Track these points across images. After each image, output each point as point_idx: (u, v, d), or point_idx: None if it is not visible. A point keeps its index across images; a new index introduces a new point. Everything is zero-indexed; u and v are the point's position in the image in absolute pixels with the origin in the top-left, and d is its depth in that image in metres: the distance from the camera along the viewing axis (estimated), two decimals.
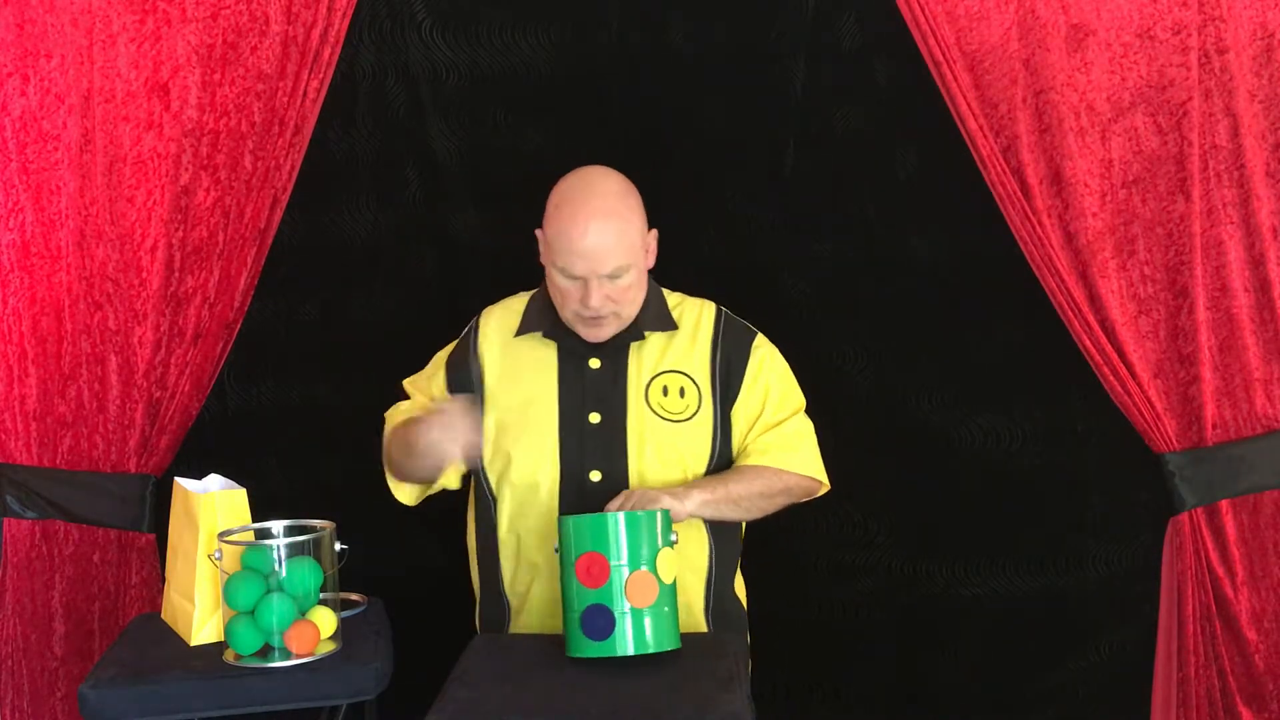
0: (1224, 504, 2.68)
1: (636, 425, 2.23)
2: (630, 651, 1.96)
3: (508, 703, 1.88)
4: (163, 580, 2.45)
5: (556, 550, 2.04)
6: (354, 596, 2.31)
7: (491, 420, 2.26)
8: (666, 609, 1.99)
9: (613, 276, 2.16)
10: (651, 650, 1.97)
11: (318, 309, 2.88)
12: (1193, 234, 2.62)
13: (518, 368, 2.28)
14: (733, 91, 2.83)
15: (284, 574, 2.03)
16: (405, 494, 2.35)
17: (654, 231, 2.26)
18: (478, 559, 2.36)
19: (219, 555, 2.05)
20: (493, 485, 2.28)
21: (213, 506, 2.12)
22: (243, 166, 2.60)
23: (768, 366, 2.32)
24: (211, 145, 2.60)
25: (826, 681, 3.04)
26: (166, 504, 2.30)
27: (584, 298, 2.16)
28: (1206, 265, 2.64)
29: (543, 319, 2.28)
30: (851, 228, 2.89)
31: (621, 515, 1.99)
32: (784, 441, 2.29)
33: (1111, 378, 2.64)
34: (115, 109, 2.59)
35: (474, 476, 2.31)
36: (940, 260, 2.87)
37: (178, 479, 2.23)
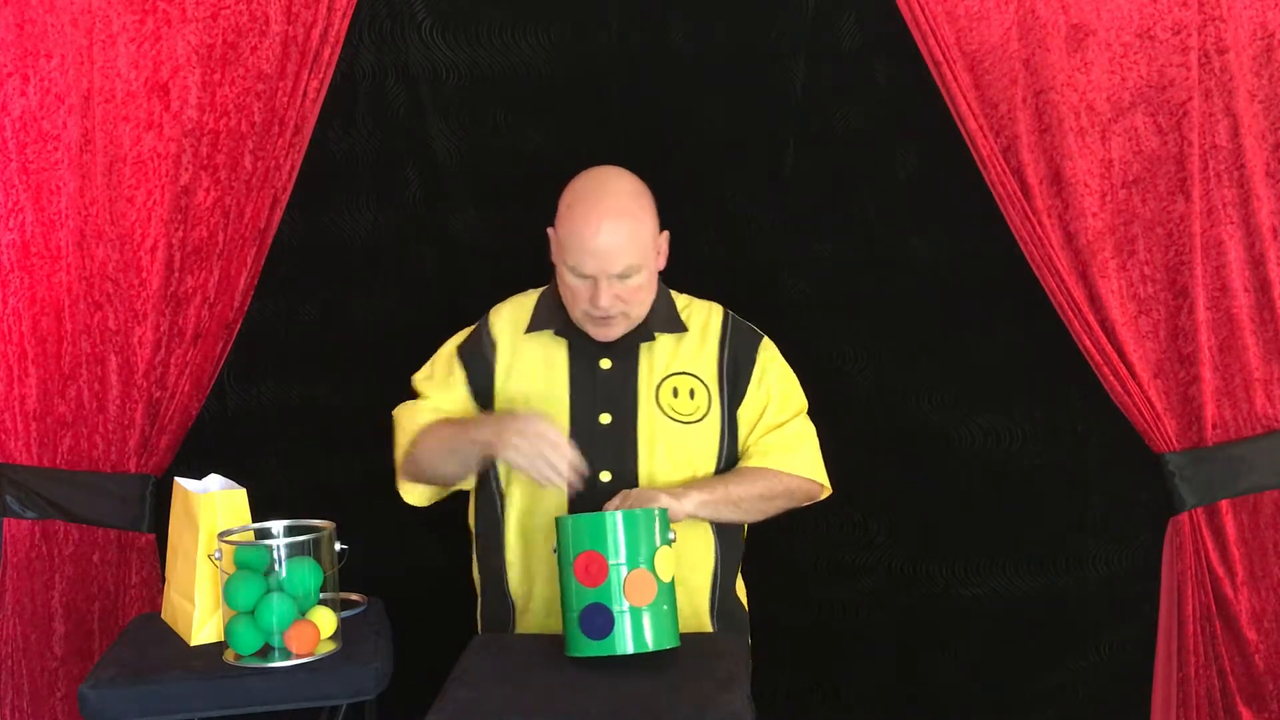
0: (1224, 504, 2.68)
1: (647, 426, 2.24)
2: (629, 650, 1.96)
3: (508, 703, 1.88)
4: (163, 580, 2.45)
5: (554, 550, 2.04)
6: (354, 596, 2.31)
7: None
8: (665, 607, 1.99)
9: (623, 276, 2.16)
10: (651, 649, 1.97)
11: (318, 309, 2.88)
12: (1193, 234, 2.62)
13: (528, 364, 2.28)
14: (733, 91, 2.83)
15: (284, 574, 2.03)
16: (417, 495, 2.33)
17: (665, 233, 2.26)
18: (480, 557, 2.36)
19: (219, 555, 2.05)
20: (502, 483, 2.28)
21: (213, 506, 2.12)
22: (243, 166, 2.60)
23: (772, 368, 2.33)
24: (211, 145, 2.60)
25: (826, 682, 3.04)
26: (166, 504, 2.30)
27: (593, 297, 2.17)
28: (1206, 265, 2.64)
29: (553, 317, 2.28)
30: (851, 228, 2.89)
31: (619, 514, 2.00)
32: (785, 443, 2.29)
33: (1111, 378, 2.64)
34: (115, 109, 2.59)
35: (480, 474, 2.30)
36: (940, 260, 2.87)
37: (178, 479, 2.23)
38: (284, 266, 2.76)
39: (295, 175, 2.61)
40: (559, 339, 2.28)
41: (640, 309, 2.23)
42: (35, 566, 2.66)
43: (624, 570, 1.97)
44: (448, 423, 2.23)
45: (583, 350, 2.27)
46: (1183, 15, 2.58)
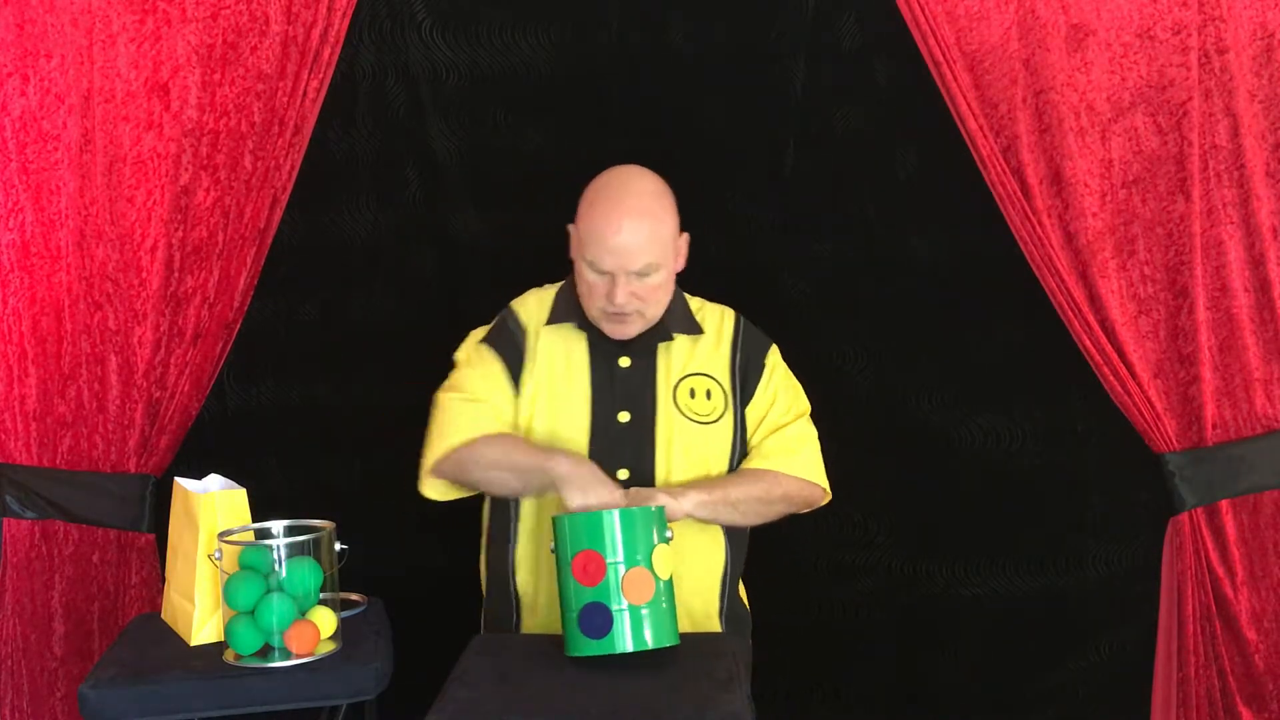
0: (1224, 504, 2.68)
1: (665, 426, 2.25)
2: (629, 648, 1.96)
3: (508, 703, 1.88)
4: (163, 580, 2.45)
5: (553, 550, 2.04)
6: (354, 596, 2.31)
7: (524, 406, 2.25)
8: (664, 605, 1.99)
9: (641, 274, 2.17)
10: (650, 647, 1.96)
11: (318, 309, 2.88)
12: (1193, 234, 2.62)
13: (551, 356, 2.28)
14: (733, 91, 2.83)
15: (284, 574, 2.03)
16: (441, 491, 2.29)
17: (685, 235, 2.27)
18: (489, 554, 2.35)
19: (219, 555, 2.05)
20: None
21: (213, 506, 2.12)
22: (243, 166, 2.60)
23: (779, 372, 2.35)
24: (211, 145, 2.60)
25: (826, 682, 3.04)
26: (166, 504, 2.29)
27: (610, 294, 2.18)
28: (1206, 265, 2.64)
29: (572, 311, 2.29)
30: (851, 228, 2.89)
31: (616, 513, 2.00)
32: (786, 445, 2.29)
33: (1111, 378, 2.64)
34: (115, 109, 2.59)
35: None
36: (940, 260, 2.87)
37: (178, 479, 2.23)
38: (284, 266, 2.76)
39: (295, 175, 2.61)
40: (579, 333, 2.28)
41: (656, 309, 2.24)
42: (35, 566, 2.66)
43: (622, 569, 1.97)
44: (517, 441, 2.21)
45: (602, 347, 2.27)
46: (1183, 15, 2.58)
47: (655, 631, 1.97)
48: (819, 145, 2.84)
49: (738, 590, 2.38)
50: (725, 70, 2.82)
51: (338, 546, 2.10)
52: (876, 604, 3.01)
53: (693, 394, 2.27)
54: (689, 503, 2.16)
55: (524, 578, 2.29)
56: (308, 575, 2.04)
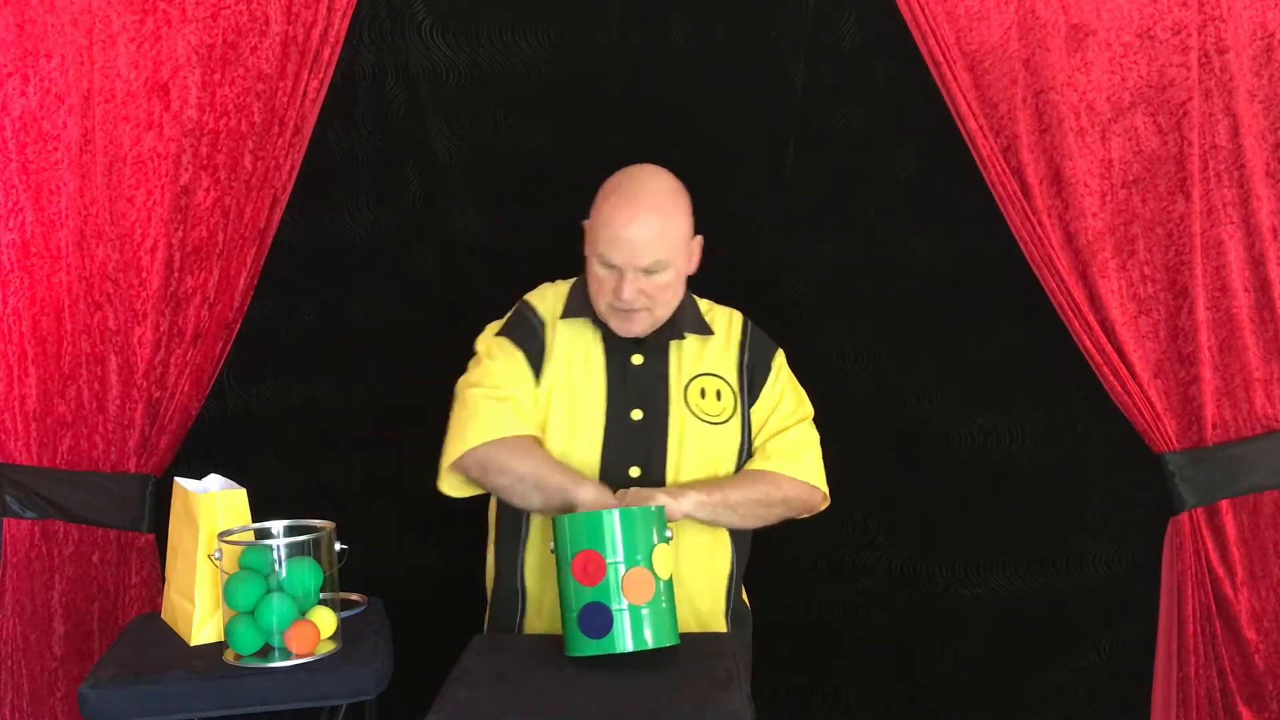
0: (1224, 504, 2.68)
1: (677, 425, 2.25)
2: (629, 648, 1.96)
3: (508, 703, 1.88)
4: (163, 580, 2.45)
5: (553, 550, 2.04)
6: (354, 596, 2.31)
7: (542, 399, 2.25)
8: (664, 605, 1.99)
9: (649, 271, 2.18)
10: (650, 646, 1.97)
11: (318, 309, 2.88)
12: (1193, 234, 2.62)
13: (567, 350, 2.28)
14: (733, 91, 2.83)
15: (284, 574, 2.03)
16: (457, 487, 2.27)
17: (699, 238, 2.28)
18: (497, 550, 2.35)
19: (219, 555, 2.05)
20: None
21: (213, 506, 2.12)
22: (243, 166, 2.60)
23: (784, 375, 2.36)
24: (211, 145, 2.60)
25: (826, 681, 3.04)
26: (166, 504, 2.30)
27: (618, 288, 2.19)
28: (1206, 265, 2.64)
29: (586, 306, 2.29)
30: (851, 228, 2.89)
31: (616, 512, 2.00)
32: (789, 447, 2.30)
33: (1111, 378, 2.64)
34: (115, 109, 2.59)
35: None
36: (940, 260, 2.87)
37: (178, 479, 2.23)
38: (284, 266, 2.76)
39: (295, 175, 2.61)
40: (594, 329, 2.28)
41: (664, 308, 2.24)
42: (35, 566, 2.66)
43: (622, 568, 1.97)
44: (546, 458, 2.19)
45: (615, 344, 2.28)
46: (1183, 15, 2.58)
47: (655, 631, 1.97)
48: (819, 145, 2.84)
49: (742, 591, 2.38)
50: (725, 70, 2.82)
51: (338, 546, 2.10)
52: (876, 604, 3.01)
53: (703, 394, 2.28)
54: (688, 503, 2.16)
55: (532, 577, 2.29)
56: (308, 575, 2.04)
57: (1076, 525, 2.94)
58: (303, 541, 2.06)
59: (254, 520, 2.17)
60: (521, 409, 2.22)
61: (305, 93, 2.57)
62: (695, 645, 2.06)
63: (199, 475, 2.22)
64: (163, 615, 2.27)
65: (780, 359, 2.37)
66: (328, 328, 2.89)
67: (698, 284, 2.39)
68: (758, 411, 2.32)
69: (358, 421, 2.90)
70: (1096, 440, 2.87)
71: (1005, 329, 2.87)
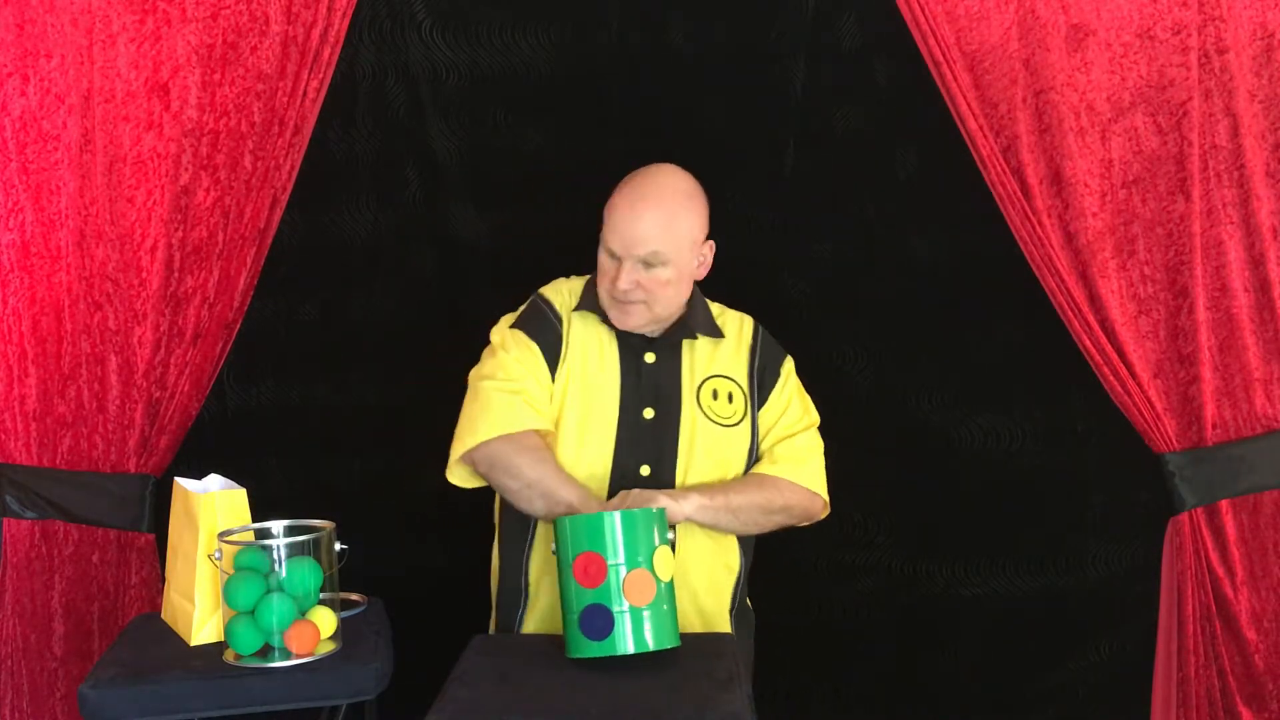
0: (1224, 504, 2.68)
1: (688, 425, 2.26)
2: (630, 650, 1.96)
3: (508, 703, 1.88)
4: (163, 580, 2.45)
5: (554, 551, 2.04)
6: (354, 596, 2.31)
7: (556, 393, 2.25)
8: (665, 607, 1.99)
9: (648, 264, 2.19)
10: (651, 649, 1.96)
11: (318, 309, 2.88)
12: (1193, 234, 2.62)
13: (582, 344, 2.28)
14: (733, 91, 2.83)
15: (284, 574, 2.03)
16: (464, 478, 2.27)
17: (710, 243, 2.28)
18: (502, 548, 2.35)
19: (219, 555, 2.05)
20: None
21: (213, 506, 2.12)
22: (243, 166, 2.60)
23: (793, 381, 2.37)
24: (211, 145, 2.60)
25: (826, 681, 3.04)
26: (166, 504, 2.30)
27: (616, 277, 2.19)
28: (1206, 265, 2.64)
29: (598, 300, 2.29)
30: (851, 228, 2.89)
31: (617, 514, 1.99)
32: (794, 453, 2.30)
33: (1111, 378, 2.64)
34: (115, 109, 2.59)
35: None
36: (940, 260, 2.87)
37: (178, 479, 2.23)
38: (284, 266, 2.76)
39: (295, 175, 2.61)
40: (608, 325, 2.28)
41: (663, 306, 2.24)
42: (35, 566, 2.66)
43: (623, 570, 1.97)
44: (555, 467, 2.19)
45: (628, 341, 2.28)
46: (1183, 15, 2.58)
47: (656, 633, 1.97)
48: (819, 145, 2.84)
49: (747, 591, 2.39)
50: (725, 70, 2.82)
51: (338, 546, 2.09)
52: (876, 604, 3.01)
53: (715, 395, 2.29)
54: (690, 505, 2.16)
55: (535, 577, 2.29)
56: (308, 575, 2.04)
57: (1076, 525, 2.94)
58: (303, 541, 2.06)
59: (254, 520, 2.16)
60: (534, 402, 2.22)
61: (305, 93, 2.56)
62: (696, 645, 2.06)
63: (199, 475, 2.22)
64: (163, 615, 2.27)
65: (789, 365, 2.38)
66: (328, 328, 2.89)
67: (700, 284, 2.39)
68: (765, 415, 2.32)
69: (358, 421, 2.90)
70: (1096, 440, 2.87)
71: (1005, 329, 2.87)
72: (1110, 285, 2.63)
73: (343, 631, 2.10)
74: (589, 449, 2.23)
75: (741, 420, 2.29)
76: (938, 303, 2.89)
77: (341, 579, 2.13)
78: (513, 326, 2.30)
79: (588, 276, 2.35)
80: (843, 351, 2.93)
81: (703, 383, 2.29)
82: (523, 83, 2.80)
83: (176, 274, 2.63)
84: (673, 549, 2.06)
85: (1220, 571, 2.68)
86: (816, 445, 2.35)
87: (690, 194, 2.26)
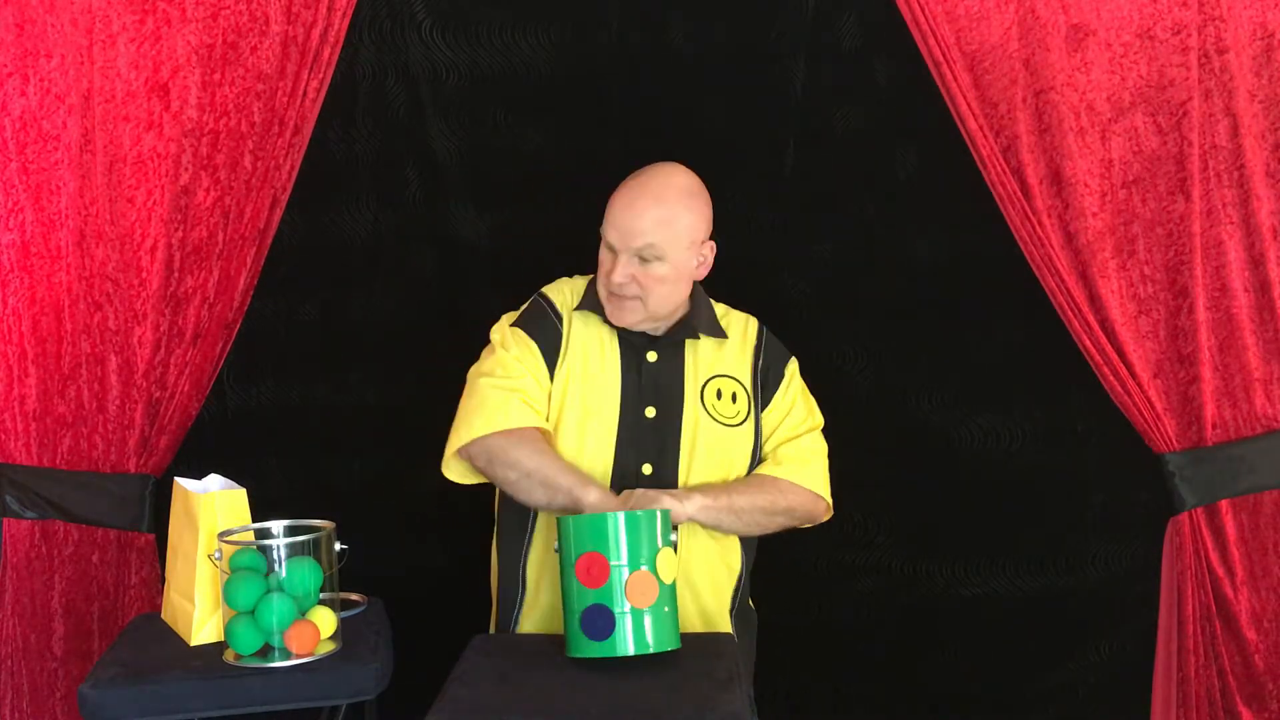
0: (1224, 504, 2.68)
1: (690, 424, 2.25)
2: (630, 652, 1.96)
3: (508, 703, 1.88)
4: (163, 580, 2.45)
5: (556, 550, 2.04)
6: (354, 596, 2.31)
7: (556, 392, 2.25)
8: (667, 609, 1.99)
9: (643, 258, 2.19)
10: (652, 650, 1.96)
11: (318, 309, 2.88)
12: (1193, 234, 2.62)
13: (583, 344, 2.29)
14: (733, 91, 2.83)
15: (284, 574, 2.03)
16: (460, 473, 2.27)
17: (711, 244, 2.28)
18: (500, 544, 2.35)
19: (219, 555, 2.05)
20: None
21: (213, 506, 2.12)
22: (243, 166, 2.60)
23: (797, 383, 2.37)
24: (211, 145, 2.60)
25: (826, 681, 3.04)
26: (166, 504, 2.30)
27: (610, 269, 2.19)
28: (1206, 265, 2.64)
29: (599, 300, 2.29)
30: (851, 228, 2.89)
31: (621, 515, 1.99)
32: (799, 455, 2.30)
33: (1111, 378, 2.64)
34: (115, 109, 2.59)
35: None
36: (940, 260, 2.87)
37: (178, 479, 2.23)
38: (284, 266, 2.76)
39: (295, 175, 2.61)
40: (610, 325, 2.28)
41: (658, 304, 2.24)
42: (35, 566, 2.65)
43: (625, 571, 1.96)
44: (553, 456, 2.19)
45: (630, 340, 2.29)
46: (1183, 15, 2.58)
47: (657, 635, 1.97)
48: (819, 145, 2.84)
49: (748, 591, 2.39)
50: (725, 70, 2.82)
51: (338, 546, 2.09)
52: (876, 604, 3.01)
53: (719, 395, 2.29)
54: (693, 506, 2.16)
55: (533, 575, 2.29)
56: (308, 575, 2.04)
57: (1076, 525, 2.94)
58: (303, 541, 2.06)
59: (254, 520, 2.16)
60: (531, 400, 2.22)
61: (305, 93, 2.56)
62: (696, 645, 2.06)
63: (199, 475, 2.22)
64: (163, 615, 2.27)
65: (794, 367, 2.38)
66: (328, 328, 2.89)
67: (701, 284, 2.39)
68: (768, 416, 2.32)
69: (358, 421, 2.90)
70: (1096, 440, 2.87)
71: (1005, 329, 2.87)
72: (1110, 285, 2.63)
73: (343, 631, 2.10)
74: (589, 447, 2.23)
75: (745, 420, 2.29)
76: (938, 303, 2.88)
77: (341, 579, 2.13)
78: (513, 325, 2.30)
79: (590, 276, 2.35)
80: (843, 351, 2.93)
81: (706, 382, 2.29)
82: (523, 83, 2.80)
83: (176, 274, 2.63)
84: (675, 550, 2.06)
85: (1220, 571, 2.68)
86: (820, 447, 2.35)
87: (691, 192, 2.26)
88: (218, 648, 2.06)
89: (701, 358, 2.31)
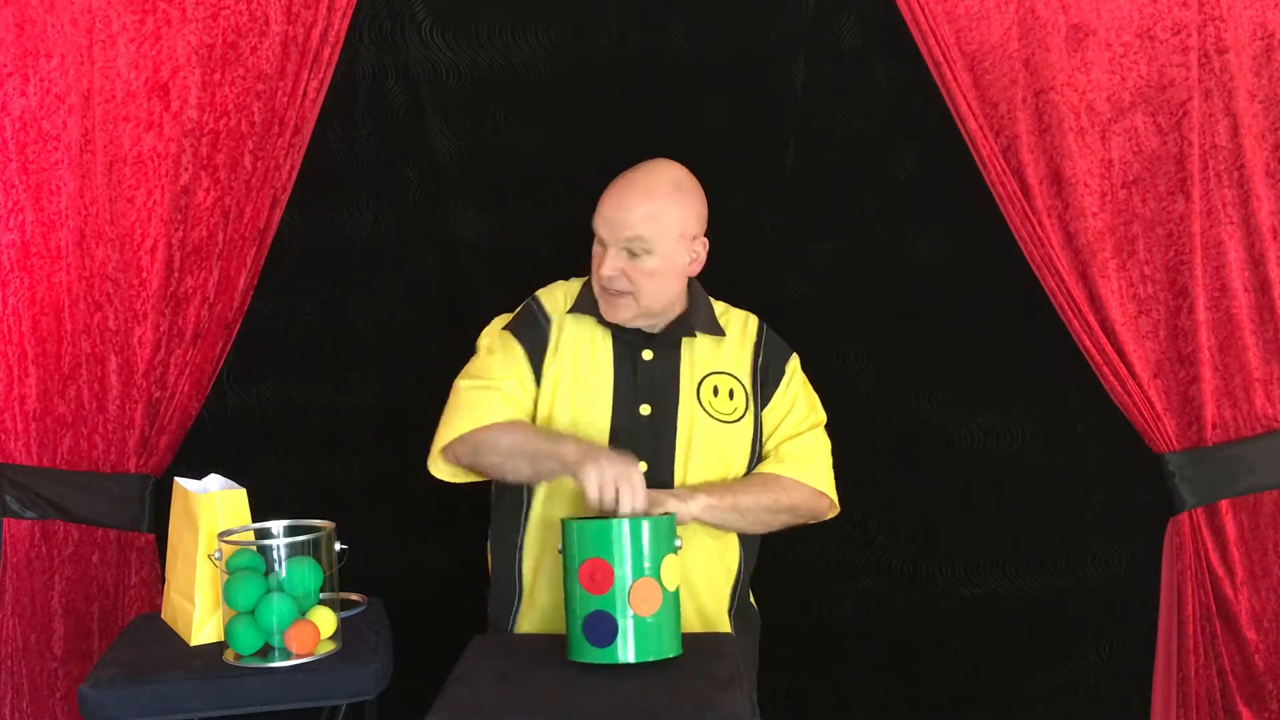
0: (1224, 504, 2.68)
1: (686, 422, 2.25)
2: (632, 660, 1.94)
3: (508, 703, 1.88)
4: (163, 580, 2.45)
5: (560, 550, 2.03)
6: (354, 596, 2.31)
7: (545, 394, 2.25)
8: (670, 617, 1.98)
9: (632, 252, 2.19)
10: (653, 658, 1.95)
11: (318, 309, 2.88)
12: (1193, 234, 2.62)
13: (575, 344, 2.28)
14: (733, 91, 2.83)
15: (284, 574, 2.03)
16: (449, 473, 2.28)
17: (704, 240, 2.28)
18: (495, 540, 2.35)
19: (219, 555, 2.05)
20: None
21: (213, 506, 2.12)
22: (243, 166, 2.60)
23: (798, 379, 2.36)
24: (211, 145, 2.60)
25: (826, 681, 3.04)
26: (166, 504, 2.30)
27: (600, 264, 2.19)
28: (1206, 265, 2.64)
29: (594, 302, 2.29)
30: (851, 228, 2.89)
31: (626, 522, 1.97)
32: (801, 453, 2.30)
33: (1111, 378, 2.64)
34: (115, 109, 2.59)
35: None
36: (940, 260, 2.87)
37: (178, 479, 2.23)
38: (284, 266, 2.76)
39: (295, 175, 2.61)
40: (605, 324, 2.28)
41: (650, 299, 2.23)
42: (35, 566, 2.66)
43: (629, 579, 1.95)
44: (531, 429, 2.20)
45: (625, 339, 2.28)
46: (1183, 15, 2.58)
47: (659, 643, 1.96)
48: (819, 145, 2.84)
49: (749, 591, 2.38)
50: (725, 70, 2.82)
51: (338, 546, 2.09)
52: (876, 604, 3.01)
53: (716, 392, 2.28)
54: (697, 506, 2.15)
55: (529, 569, 2.29)
56: (308, 575, 2.04)
57: (1076, 525, 2.94)
58: (303, 541, 2.06)
59: (254, 520, 2.16)
60: (510, 398, 2.22)
61: (305, 93, 2.57)
62: (696, 645, 2.05)
63: (199, 475, 2.22)
64: (163, 615, 2.27)
65: (795, 363, 2.37)
66: (328, 328, 2.89)
67: (700, 284, 2.39)
68: (769, 415, 2.31)
69: (358, 421, 2.90)
70: (1096, 440, 2.87)
71: (1005, 329, 2.87)
72: (1110, 285, 2.63)
73: (343, 631, 2.10)
74: None
75: (743, 417, 2.28)
76: (938, 303, 2.88)
77: (341, 579, 2.13)
78: (503, 328, 2.31)
79: (587, 278, 2.35)
80: (843, 351, 2.93)
81: (703, 379, 2.29)
82: (523, 83, 2.80)
83: (176, 274, 2.63)
84: (678, 553, 2.05)
85: (1220, 571, 2.69)
86: (823, 444, 2.34)
87: (680, 186, 2.24)
88: (218, 648, 2.06)
89: (698, 355, 2.30)
